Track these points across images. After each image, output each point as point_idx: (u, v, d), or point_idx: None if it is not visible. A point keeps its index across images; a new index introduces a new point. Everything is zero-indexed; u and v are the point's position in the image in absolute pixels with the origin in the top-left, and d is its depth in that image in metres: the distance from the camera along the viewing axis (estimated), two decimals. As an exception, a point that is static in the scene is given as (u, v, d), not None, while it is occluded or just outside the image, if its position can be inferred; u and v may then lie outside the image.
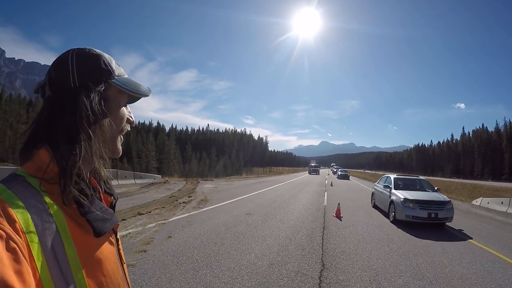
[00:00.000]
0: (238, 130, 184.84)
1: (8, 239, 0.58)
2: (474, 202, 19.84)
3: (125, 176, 19.89)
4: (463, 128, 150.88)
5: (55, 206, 0.70)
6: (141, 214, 9.65)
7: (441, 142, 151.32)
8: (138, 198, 13.63)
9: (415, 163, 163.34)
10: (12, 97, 79.64)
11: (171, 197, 14.53)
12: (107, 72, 0.82)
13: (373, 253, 6.66)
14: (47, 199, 0.70)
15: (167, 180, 25.82)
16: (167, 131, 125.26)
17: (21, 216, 0.63)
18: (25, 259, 0.60)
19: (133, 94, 0.87)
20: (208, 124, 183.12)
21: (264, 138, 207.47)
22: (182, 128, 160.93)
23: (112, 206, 0.92)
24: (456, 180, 69.64)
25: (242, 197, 15.91)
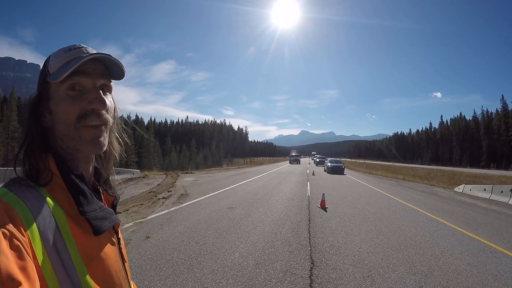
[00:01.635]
0: (218, 121, 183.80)
1: (12, 237, 0.61)
2: (456, 189, 19.99)
3: (102, 172, 19.13)
4: (441, 117, 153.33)
5: (56, 206, 0.73)
6: (118, 212, 9.04)
7: (419, 130, 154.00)
8: (115, 194, 12.99)
9: (395, 151, 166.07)
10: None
11: (149, 192, 13.94)
12: (44, 73, 0.83)
13: (363, 246, 6.37)
14: (48, 200, 0.73)
15: (146, 175, 25.12)
16: (146, 124, 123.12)
17: (23, 216, 0.66)
18: (29, 256, 0.62)
19: (59, 80, 0.79)
20: (187, 116, 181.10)
21: (244, 129, 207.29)
22: (161, 121, 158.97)
23: (113, 206, 0.96)
24: (435, 167, 71.04)
25: (223, 189, 15.45)
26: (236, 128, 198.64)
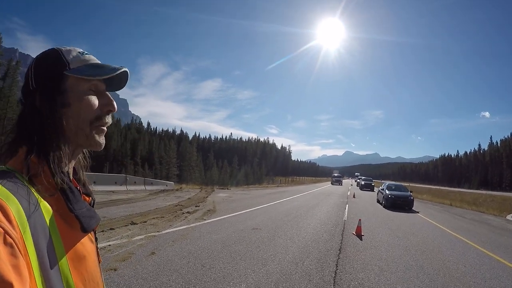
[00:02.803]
0: (261, 139, 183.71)
1: (5, 234, 0.58)
2: (508, 217, 17.91)
3: (135, 182, 19.00)
4: (490, 138, 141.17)
5: (44, 202, 0.71)
6: (134, 224, 8.61)
7: (468, 152, 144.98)
8: (140, 205, 12.62)
9: (441, 174, 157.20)
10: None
11: (176, 205, 13.45)
12: (61, 65, 0.81)
13: (399, 288, 5.27)
14: (37, 195, 0.70)
15: (180, 187, 24.89)
16: (190, 139, 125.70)
17: (15, 211, 0.63)
18: (21, 253, 0.60)
19: (91, 78, 0.83)
20: (231, 133, 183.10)
21: (287, 148, 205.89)
22: (205, 136, 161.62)
23: (91, 206, 0.92)
24: (484, 192, 66.03)
25: (254, 208, 14.64)
26: (279, 147, 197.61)
